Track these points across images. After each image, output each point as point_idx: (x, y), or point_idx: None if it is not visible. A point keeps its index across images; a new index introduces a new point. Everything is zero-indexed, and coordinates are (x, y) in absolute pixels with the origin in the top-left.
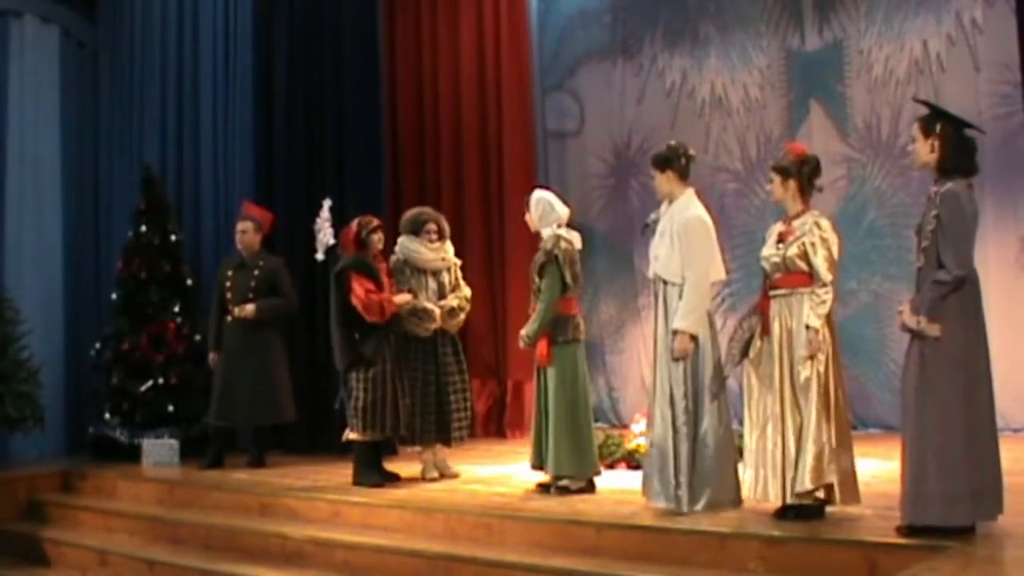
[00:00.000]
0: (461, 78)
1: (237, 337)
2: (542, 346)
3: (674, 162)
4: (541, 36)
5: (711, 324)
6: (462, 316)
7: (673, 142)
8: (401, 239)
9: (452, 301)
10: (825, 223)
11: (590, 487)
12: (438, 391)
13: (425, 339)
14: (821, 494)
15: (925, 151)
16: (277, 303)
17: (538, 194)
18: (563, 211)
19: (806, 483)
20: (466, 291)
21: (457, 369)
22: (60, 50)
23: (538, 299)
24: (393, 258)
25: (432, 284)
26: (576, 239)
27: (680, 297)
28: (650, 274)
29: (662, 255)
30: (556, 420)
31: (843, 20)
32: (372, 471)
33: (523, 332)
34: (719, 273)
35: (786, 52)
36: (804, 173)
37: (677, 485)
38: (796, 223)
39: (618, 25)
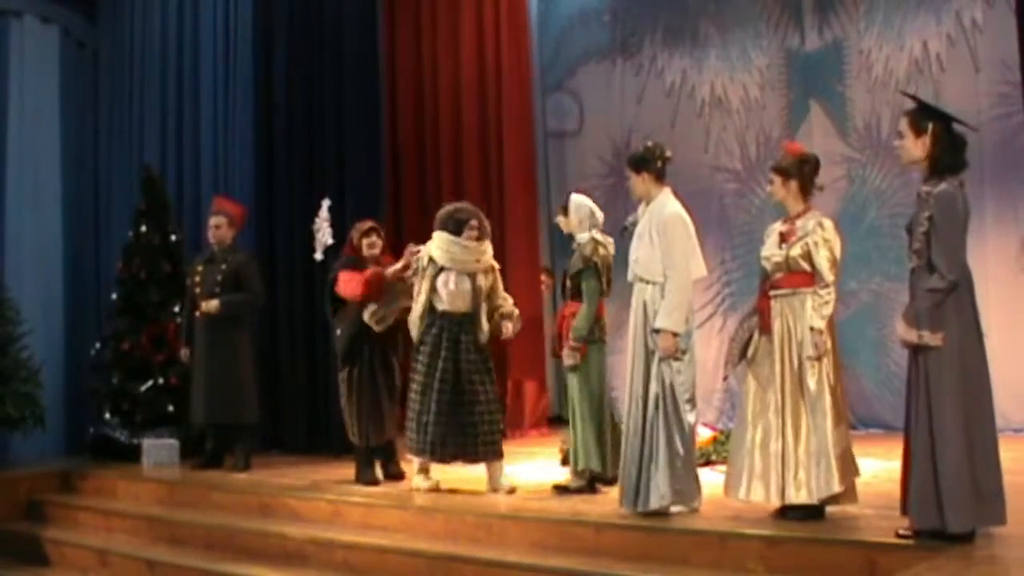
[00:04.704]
0: (461, 78)
1: (204, 333)
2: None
3: (651, 164)
4: (541, 36)
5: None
6: (509, 324)
7: (650, 143)
8: (435, 235)
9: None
10: (828, 224)
11: (590, 487)
12: (456, 400)
13: (438, 344)
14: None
15: (916, 149)
16: (241, 298)
17: (578, 199)
18: (601, 217)
19: (834, 487)
20: (510, 302)
21: (484, 370)
22: (60, 50)
23: (570, 299)
24: (418, 256)
25: (464, 285)
26: (611, 244)
27: (662, 296)
28: (629, 277)
29: (642, 256)
30: (582, 414)
31: (843, 20)
32: (368, 469)
33: (572, 336)
34: (700, 270)
35: (786, 52)
36: (805, 173)
37: (642, 486)
38: (798, 223)
39: (618, 25)
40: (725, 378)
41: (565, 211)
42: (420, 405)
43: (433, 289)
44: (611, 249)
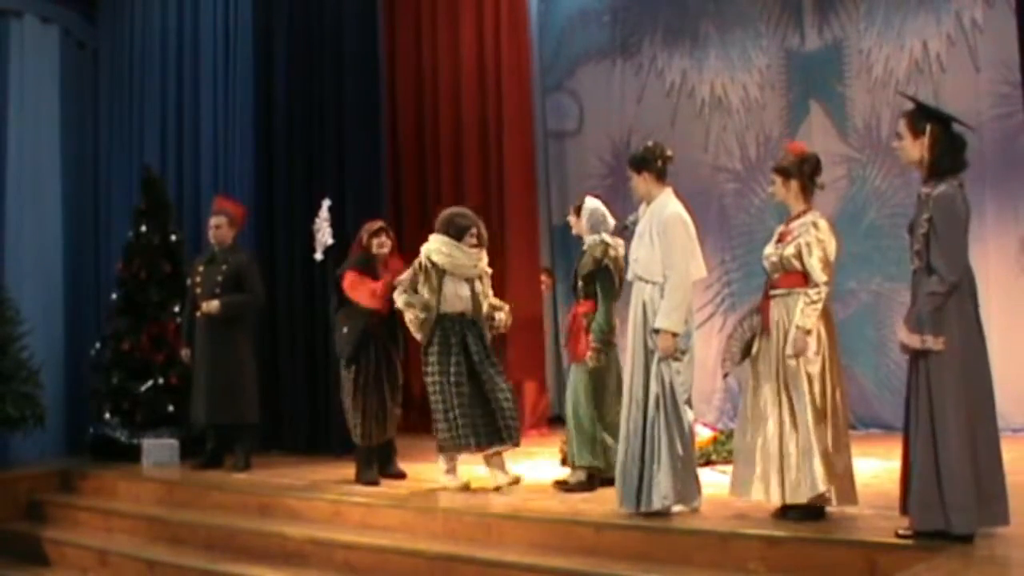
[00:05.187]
0: (461, 78)
1: (204, 333)
2: (581, 344)
3: (651, 163)
4: (541, 36)
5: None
6: (499, 320)
7: (651, 143)
8: (436, 239)
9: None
10: (822, 224)
11: (589, 484)
12: (476, 391)
13: (445, 342)
14: (829, 493)
15: (914, 150)
16: (241, 299)
17: (592, 203)
18: (612, 222)
19: (819, 486)
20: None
21: (493, 363)
22: (60, 50)
23: (582, 298)
24: (419, 259)
25: (463, 291)
26: (621, 247)
27: (662, 296)
28: (629, 276)
29: (642, 256)
30: (575, 412)
31: (843, 20)
32: (368, 469)
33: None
34: (700, 271)
35: (786, 52)
36: (805, 172)
37: (644, 487)
38: (795, 223)
39: (618, 25)
40: (725, 375)
41: (578, 212)
42: (443, 403)
43: (438, 291)
44: (621, 251)
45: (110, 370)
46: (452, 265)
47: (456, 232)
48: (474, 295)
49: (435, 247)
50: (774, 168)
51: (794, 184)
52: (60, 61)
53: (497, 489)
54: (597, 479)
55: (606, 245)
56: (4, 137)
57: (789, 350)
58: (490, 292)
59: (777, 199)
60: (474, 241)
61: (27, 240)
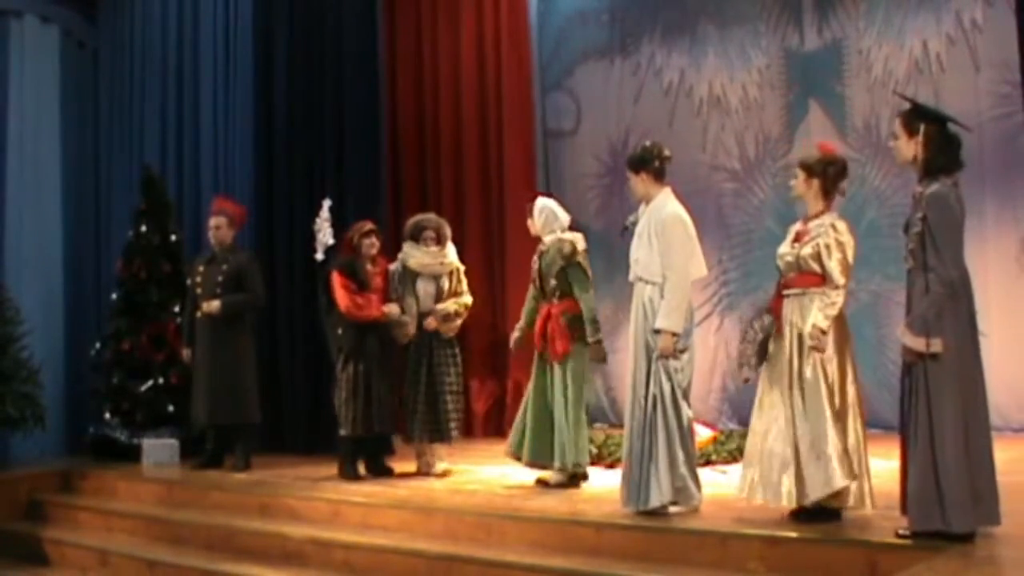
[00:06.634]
0: (461, 78)
1: (205, 333)
2: (563, 342)
3: (649, 164)
4: (540, 36)
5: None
6: (458, 322)
7: (648, 143)
8: (404, 246)
9: (450, 306)
10: (842, 225)
11: (571, 483)
12: (429, 391)
13: (420, 341)
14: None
15: (909, 150)
16: (241, 299)
17: (542, 202)
18: (565, 218)
19: (835, 482)
20: (467, 298)
21: (454, 371)
22: (60, 50)
23: (556, 299)
24: (394, 264)
25: (430, 288)
26: (580, 240)
27: (661, 296)
28: (631, 277)
29: (642, 257)
30: (575, 412)
31: (842, 20)
32: (348, 465)
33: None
34: (700, 270)
35: (785, 51)
36: (829, 174)
37: (643, 485)
38: (813, 223)
39: (616, 24)
40: (746, 380)
41: (531, 214)
42: (404, 397)
43: (414, 293)
44: (582, 244)
45: (110, 370)
46: (419, 265)
47: (416, 234)
48: (439, 290)
49: (404, 252)
50: (799, 162)
51: (816, 183)
52: (60, 61)
53: (428, 473)
54: (580, 478)
55: (572, 242)
56: (4, 137)
57: (809, 342)
58: (464, 289)
59: (795, 194)
60: (431, 241)
61: (27, 240)
